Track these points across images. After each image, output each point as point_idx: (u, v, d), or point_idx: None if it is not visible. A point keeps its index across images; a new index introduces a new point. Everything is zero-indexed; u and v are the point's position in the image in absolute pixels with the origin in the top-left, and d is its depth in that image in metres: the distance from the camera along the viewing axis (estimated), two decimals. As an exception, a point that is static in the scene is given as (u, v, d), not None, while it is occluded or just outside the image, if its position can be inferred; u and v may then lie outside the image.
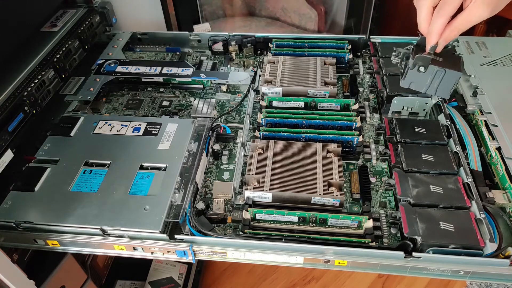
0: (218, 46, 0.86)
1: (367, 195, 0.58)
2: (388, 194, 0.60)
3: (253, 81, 0.76)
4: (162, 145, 0.63)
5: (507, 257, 0.49)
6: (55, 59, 0.74)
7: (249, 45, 0.85)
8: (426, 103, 0.69)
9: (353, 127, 0.64)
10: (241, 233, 0.53)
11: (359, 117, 0.65)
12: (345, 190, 0.60)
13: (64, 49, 0.77)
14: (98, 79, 0.77)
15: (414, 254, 0.49)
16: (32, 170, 0.59)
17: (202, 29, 1.00)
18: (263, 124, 0.66)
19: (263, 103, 0.69)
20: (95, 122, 0.67)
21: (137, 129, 0.66)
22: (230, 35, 0.85)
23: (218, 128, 0.67)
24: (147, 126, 0.66)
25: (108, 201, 0.55)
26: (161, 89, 0.79)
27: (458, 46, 0.80)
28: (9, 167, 0.60)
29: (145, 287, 0.96)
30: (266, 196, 0.55)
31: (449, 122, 0.63)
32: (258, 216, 0.55)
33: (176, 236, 0.53)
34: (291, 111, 0.67)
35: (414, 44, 0.55)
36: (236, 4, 1.42)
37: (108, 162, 0.60)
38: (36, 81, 0.69)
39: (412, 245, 0.50)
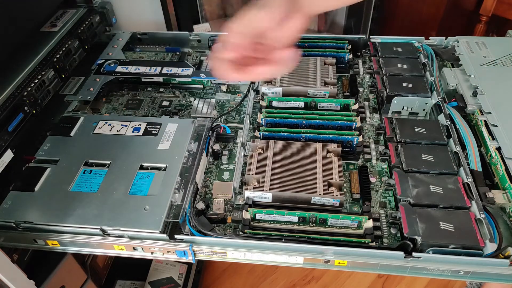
0: (218, 46, 0.86)
1: (367, 195, 0.58)
2: (388, 194, 0.60)
3: (253, 81, 0.76)
4: (162, 145, 0.63)
5: (507, 257, 0.49)
6: (55, 59, 0.74)
7: (249, 45, 0.85)
8: (426, 103, 0.69)
9: (353, 127, 0.64)
10: (241, 233, 0.53)
11: (359, 117, 0.65)
12: (345, 190, 0.60)
13: (64, 49, 0.77)
14: (98, 79, 0.77)
15: (414, 254, 0.49)
16: (32, 170, 0.59)
17: (202, 29, 1.00)
18: (263, 124, 0.66)
19: (263, 103, 0.69)
20: (95, 122, 0.67)
21: (137, 129, 0.66)
22: (230, 35, 0.85)
23: (218, 128, 0.67)
24: (147, 126, 0.66)
25: (108, 201, 0.55)
26: (161, 89, 0.79)
27: (458, 46, 0.80)
28: (9, 167, 0.60)
29: (145, 287, 0.96)
30: (266, 196, 0.55)
31: (449, 122, 0.63)
32: (258, 216, 0.55)
33: (176, 236, 0.53)
34: (291, 111, 0.67)
35: None
36: (236, 4, 1.42)
37: (108, 162, 0.60)
38: (36, 81, 0.69)
39: (412, 245, 0.50)
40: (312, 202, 0.55)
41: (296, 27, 0.52)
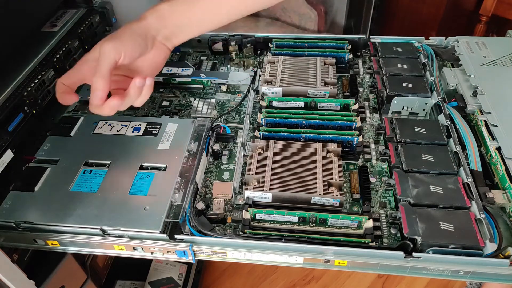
0: (218, 46, 0.86)
1: (367, 195, 0.58)
2: (388, 194, 0.60)
3: (253, 81, 0.76)
4: (162, 145, 0.63)
5: (507, 257, 0.49)
6: (55, 59, 0.74)
7: (249, 45, 0.85)
8: (426, 103, 0.69)
9: (353, 127, 0.64)
10: (241, 233, 0.53)
11: (359, 117, 0.65)
12: (345, 190, 0.60)
13: (64, 49, 0.77)
14: (98, 79, 0.76)
15: (414, 254, 0.49)
16: (32, 170, 0.59)
17: (202, 29, 0.99)
18: (263, 124, 0.66)
19: (263, 103, 0.69)
20: (95, 122, 0.67)
21: (137, 129, 0.66)
22: (230, 35, 0.85)
23: (218, 128, 0.67)
24: (147, 126, 0.66)
25: (108, 201, 0.55)
26: (161, 89, 0.79)
27: (458, 46, 0.80)
28: (9, 167, 0.60)
29: (145, 287, 0.96)
30: (266, 196, 0.55)
31: (449, 122, 0.63)
32: (258, 216, 0.55)
33: (176, 236, 0.53)
34: (291, 111, 0.67)
35: None
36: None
37: (108, 162, 0.60)
38: (36, 81, 0.69)
39: (412, 245, 0.50)
40: (312, 202, 0.55)
41: (159, 58, 0.54)
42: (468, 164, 0.58)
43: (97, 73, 0.50)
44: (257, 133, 0.64)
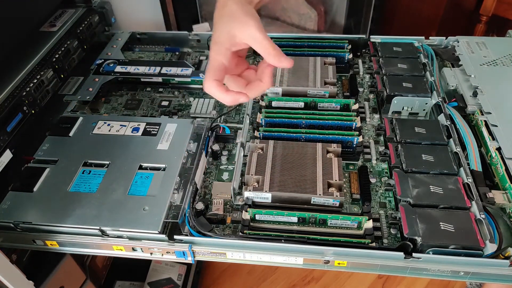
0: (218, 46, 0.86)
1: (367, 195, 0.58)
2: (388, 195, 0.60)
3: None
4: (161, 145, 0.62)
5: (507, 258, 0.49)
6: (54, 59, 0.74)
7: (248, 45, 0.85)
8: (426, 103, 0.69)
9: (353, 127, 0.64)
10: (240, 233, 0.53)
11: (359, 117, 0.65)
12: (345, 190, 0.60)
13: (63, 49, 0.77)
14: (97, 79, 0.76)
15: (414, 254, 0.49)
16: (31, 171, 0.59)
17: (202, 29, 1.00)
18: (263, 124, 0.66)
19: (263, 103, 0.69)
20: (94, 122, 0.67)
21: (136, 129, 0.65)
22: (229, 35, 0.85)
23: (218, 128, 0.67)
24: (146, 126, 0.66)
25: (107, 202, 0.55)
26: (160, 89, 0.79)
27: (458, 46, 0.80)
28: (8, 167, 0.60)
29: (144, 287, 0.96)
30: (265, 196, 0.55)
31: (449, 122, 0.63)
32: (257, 217, 0.55)
33: (175, 237, 0.53)
34: (290, 111, 0.67)
35: None
36: (236, 4, 1.41)
37: (107, 162, 0.60)
38: (35, 81, 0.68)
39: (412, 246, 0.50)
40: (312, 202, 0.55)
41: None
42: (468, 164, 0.58)
43: (266, 46, 0.49)
44: (256, 133, 0.64)
